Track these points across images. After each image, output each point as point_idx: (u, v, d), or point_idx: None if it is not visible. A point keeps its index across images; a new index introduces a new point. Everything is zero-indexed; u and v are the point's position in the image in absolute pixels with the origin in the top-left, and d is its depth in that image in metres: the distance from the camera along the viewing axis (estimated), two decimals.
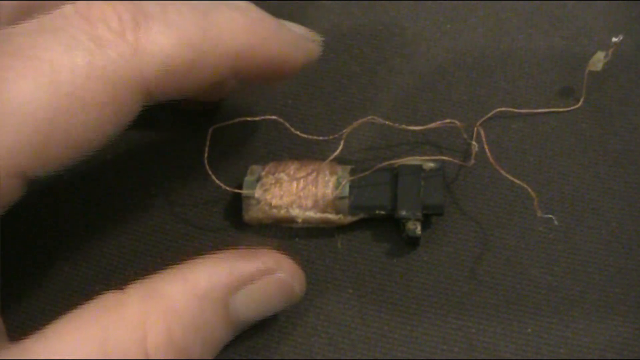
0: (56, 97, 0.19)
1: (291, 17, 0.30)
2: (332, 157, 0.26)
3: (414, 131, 0.28)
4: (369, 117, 0.27)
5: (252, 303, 0.22)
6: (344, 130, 0.27)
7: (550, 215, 0.26)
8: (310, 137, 0.27)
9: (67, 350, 0.18)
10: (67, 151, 0.20)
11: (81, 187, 0.29)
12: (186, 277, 0.21)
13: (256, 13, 0.23)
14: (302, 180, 0.26)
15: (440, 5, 0.32)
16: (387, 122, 0.27)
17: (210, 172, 0.26)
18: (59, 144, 0.19)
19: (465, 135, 0.28)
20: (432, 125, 0.27)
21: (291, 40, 0.24)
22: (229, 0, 0.23)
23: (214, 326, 0.21)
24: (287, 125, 0.26)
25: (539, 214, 0.25)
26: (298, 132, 0.26)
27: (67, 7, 0.20)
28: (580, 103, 0.29)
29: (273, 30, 0.23)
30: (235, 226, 0.27)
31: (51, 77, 0.19)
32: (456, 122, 0.27)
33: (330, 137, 0.27)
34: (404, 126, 0.26)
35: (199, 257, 0.22)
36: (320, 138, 0.28)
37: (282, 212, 0.26)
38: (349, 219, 0.26)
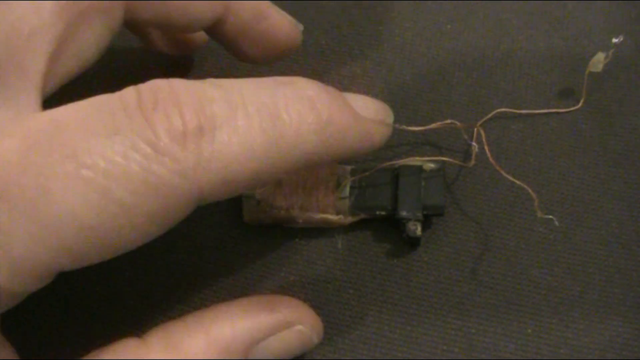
0: (105, 208, 0.18)
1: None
2: None
3: (413, 132, 0.28)
4: None
5: (270, 355, 0.22)
6: None
7: (550, 216, 0.26)
8: None
9: None
10: (107, 255, 0.19)
11: None
12: (208, 330, 0.21)
13: (328, 101, 0.21)
14: (302, 181, 0.26)
15: (440, 6, 0.32)
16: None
17: None
18: (101, 250, 0.19)
19: (465, 136, 0.28)
20: (433, 125, 0.27)
21: (364, 132, 0.22)
22: (300, 86, 0.21)
23: None
24: None
25: (539, 214, 0.25)
26: None
27: (130, 96, 0.19)
28: (580, 104, 0.29)
29: (346, 125, 0.21)
30: (236, 226, 0.27)
31: (103, 186, 0.18)
32: (456, 122, 0.28)
33: None
34: (403, 126, 0.26)
35: (220, 307, 0.22)
36: None
37: (283, 212, 0.26)
38: (350, 219, 0.26)
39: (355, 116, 0.22)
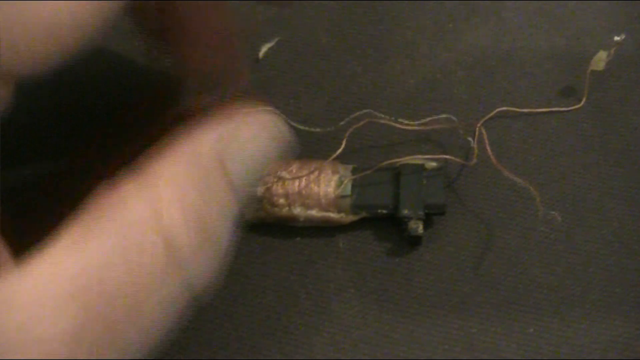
0: None
1: (292, 17, 0.30)
2: (334, 156, 0.26)
3: (411, 127, 0.28)
4: (365, 111, 0.27)
5: (246, 155, 0.20)
6: (341, 122, 0.26)
7: (553, 212, 0.26)
8: (310, 129, 0.27)
9: (86, 249, 0.17)
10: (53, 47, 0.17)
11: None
12: (173, 151, 0.19)
13: None
14: (304, 179, 0.26)
15: (441, 5, 0.32)
16: (381, 115, 0.27)
17: None
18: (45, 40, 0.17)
19: (461, 131, 0.28)
20: (428, 119, 0.27)
21: None
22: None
23: (220, 190, 0.19)
24: (288, 120, 0.26)
25: (542, 211, 0.25)
26: (297, 124, 0.26)
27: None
28: (581, 103, 0.29)
29: None
30: (236, 224, 0.27)
31: None
32: (453, 117, 0.27)
33: (330, 129, 0.27)
34: (400, 120, 0.26)
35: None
36: (319, 130, 0.28)
37: (284, 210, 0.26)
38: (351, 218, 0.26)
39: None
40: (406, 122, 0.27)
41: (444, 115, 0.28)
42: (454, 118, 0.28)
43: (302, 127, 0.27)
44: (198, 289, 0.18)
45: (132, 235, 0.17)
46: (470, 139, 0.28)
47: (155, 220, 0.17)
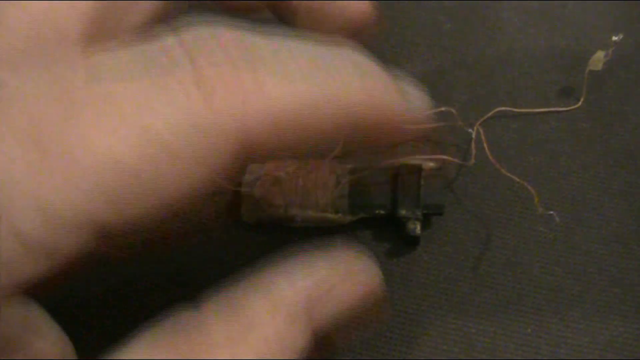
0: (145, 146, 0.17)
1: None
2: (331, 155, 0.26)
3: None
4: None
5: (334, 311, 0.20)
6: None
7: (551, 212, 0.26)
8: None
9: None
10: (150, 205, 0.17)
11: None
12: (268, 291, 0.19)
13: (378, 75, 0.20)
14: (301, 179, 0.26)
15: (440, 4, 0.32)
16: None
17: None
18: (142, 196, 0.17)
19: (460, 122, 0.28)
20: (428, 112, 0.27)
21: (409, 117, 0.21)
22: (349, 55, 0.20)
23: (301, 341, 0.19)
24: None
25: (540, 211, 0.25)
26: None
27: (170, 42, 0.18)
28: (580, 103, 0.29)
29: (394, 100, 0.20)
30: (234, 225, 0.27)
31: (144, 125, 0.17)
32: (452, 109, 0.27)
33: None
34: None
35: (275, 264, 0.20)
36: None
37: (281, 211, 0.26)
38: (349, 218, 0.26)
39: (403, 98, 0.21)
40: None
41: (443, 108, 0.27)
42: (453, 110, 0.28)
43: None
44: None
45: None
46: (470, 131, 0.28)
47: None
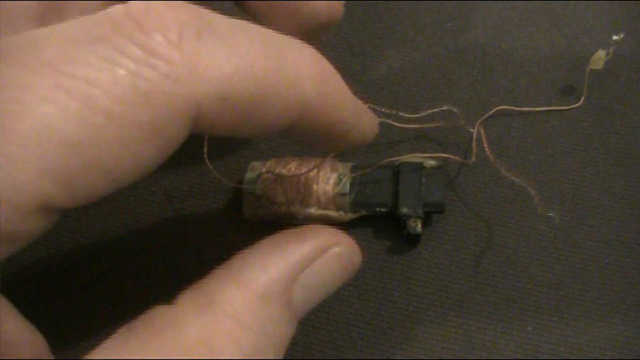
0: (89, 118, 0.16)
1: None
2: (333, 153, 0.26)
3: (412, 120, 0.28)
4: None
5: (314, 287, 0.20)
6: None
7: (551, 214, 0.26)
8: None
9: None
10: (99, 180, 0.17)
11: None
12: (240, 277, 0.19)
13: (326, 64, 0.20)
14: (303, 177, 0.26)
15: (441, 4, 0.32)
16: (382, 110, 0.27)
17: (211, 168, 0.26)
18: (90, 172, 0.16)
19: (462, 122, 0.28)
20: (430, 111, 0.27)
21: (356, 109, 0.21)
22: (303, 43, 0.20)
23: (282, 325, 0.19)
24: None
25: (540, 211, 0.25)
26: None
27: (117, 9, 0.17)
28: (581, 101, 0.29)
29: (342, 92, 0.21)
30: (236, 222, 0.27)
31: (85, 96, 0.16)
32: (453, 108, 0.27)
33: None
34: (401, 114, 0.26)
35: (245, 253, 0.20)
36: None
37: (283, 208, 0.26)
38: (350, 216, 0.26)
39: (349, 92, 0.21)
40: (407, 115, 0.27)
41: (444, 108, 0.28)
42: (455, 110, 0.28)
43: None
44: None
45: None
46: (471, 130, 0.28)
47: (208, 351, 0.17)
